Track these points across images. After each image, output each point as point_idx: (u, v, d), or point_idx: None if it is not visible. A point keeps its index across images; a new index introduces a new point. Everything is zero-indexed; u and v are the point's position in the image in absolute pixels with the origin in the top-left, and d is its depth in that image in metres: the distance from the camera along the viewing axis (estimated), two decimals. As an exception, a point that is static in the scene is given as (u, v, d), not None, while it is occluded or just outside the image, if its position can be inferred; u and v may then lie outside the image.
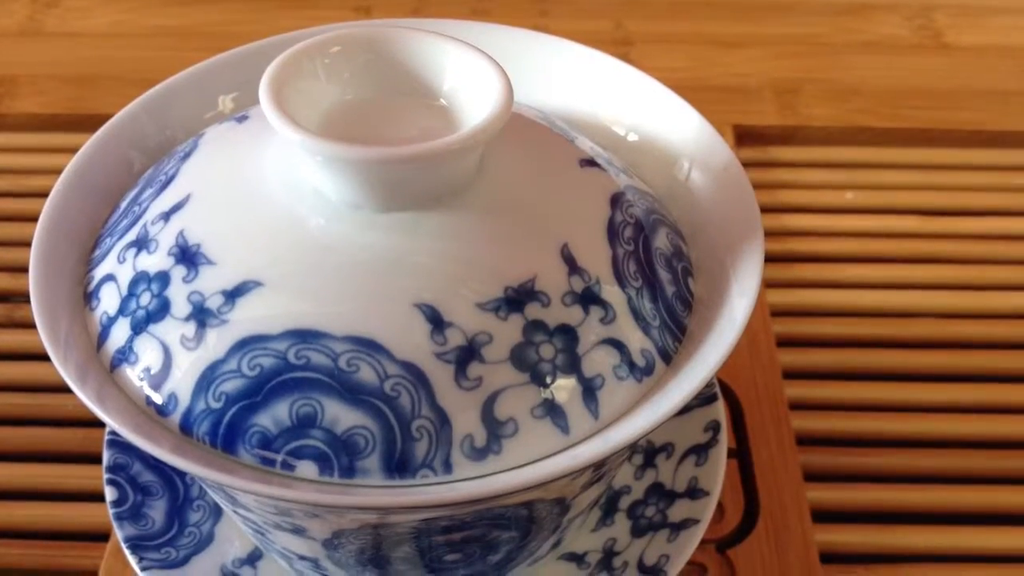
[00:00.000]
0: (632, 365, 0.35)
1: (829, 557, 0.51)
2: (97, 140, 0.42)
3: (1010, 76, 0.78)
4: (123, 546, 0.44)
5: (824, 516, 0.52)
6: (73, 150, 0.41)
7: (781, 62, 0.80)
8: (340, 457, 0.32)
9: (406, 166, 0.33)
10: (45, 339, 0.34)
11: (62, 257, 0.38)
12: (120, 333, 0.35)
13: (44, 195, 0.39)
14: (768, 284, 0.63)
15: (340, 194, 0.35)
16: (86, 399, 0.33)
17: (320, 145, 0.32)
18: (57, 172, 0.40)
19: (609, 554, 0.45)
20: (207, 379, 0.33)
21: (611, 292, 0.35)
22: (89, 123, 0.67)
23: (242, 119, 0.40)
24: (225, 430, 0.33)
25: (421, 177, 0.34)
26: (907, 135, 0.74)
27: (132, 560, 0.44)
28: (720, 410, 0.48)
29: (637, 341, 0.35)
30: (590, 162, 0.39)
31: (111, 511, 0.45)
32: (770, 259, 0.64)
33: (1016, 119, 0.75)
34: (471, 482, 0.32)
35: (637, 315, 0.35)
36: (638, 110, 0.44)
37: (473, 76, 0.36)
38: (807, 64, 0.79)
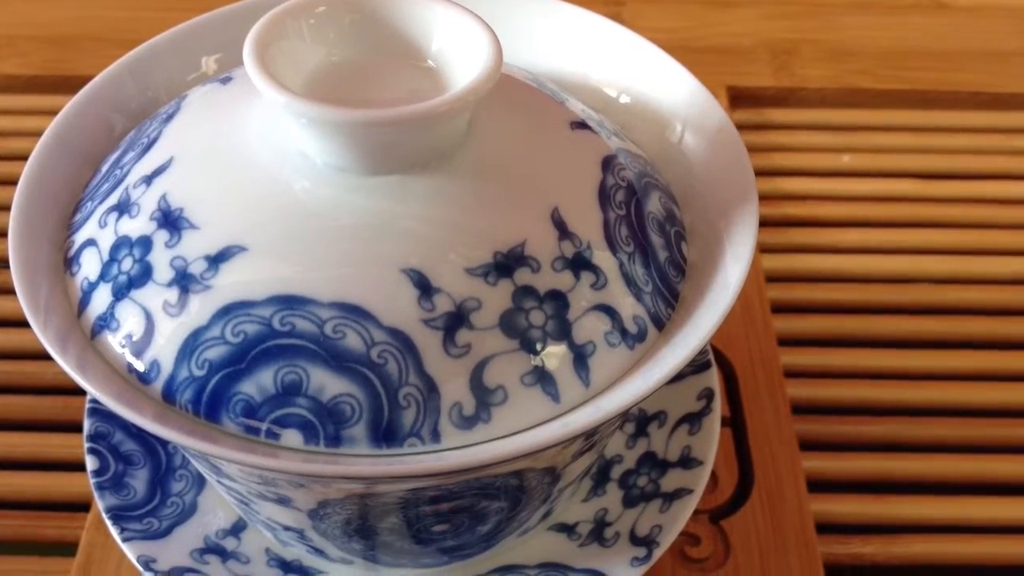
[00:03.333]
0: (624, 332, 0.34)
1: (825, 527, 0.50)
2: (78, 102, 0.41)
3: (1010, 36, 0.78)
4: (104, 516, 0.43)
5: (820, 486, 0.52)
6: (53, 112, 0.40)
7: (776, 22, 0.79)
8: (326, 426, 0.31)
9: (393, 128, 0.32)
10: (25, 305, 0.33)
11: (42, 221, 0.37)
12: (102, 299, 0.34)
13: (24, 158, 0.38)
14: (762, 249, 0.62)
15: (325, 157, 0.34)
16: (67, 366, 0.32)
17: (305, 107, 0.32)
18: (37, 135, 0.39)
19: (601, 524, 0.44)
20: (190, 346, 0.32)
21: (602, 257, 0.35)
22: (69, 85, 0.68)
23: (226, 80, 0.39)
24: (208, 398, 0.32)
25: (408, 140, 0.33)
26: (905, 97, 0.73)
27: (113, 531, 0.43)
28: (714, 378, 0.47)
29: (629, 307, 0.34)
30: (581, 124, 0.38)
31: (92, 480, 0.44)
32: (764, 224, 0.63)
33: (1016, 80, 0.74)
34: (459, 451, 0.32)
35: (629, 281, 0.35)
36: (630, 72, 0.43)
37: (461, 37, 0.35)
38: (803, 24, 0.79)
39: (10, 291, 0.35)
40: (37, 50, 0.76)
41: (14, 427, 0.54)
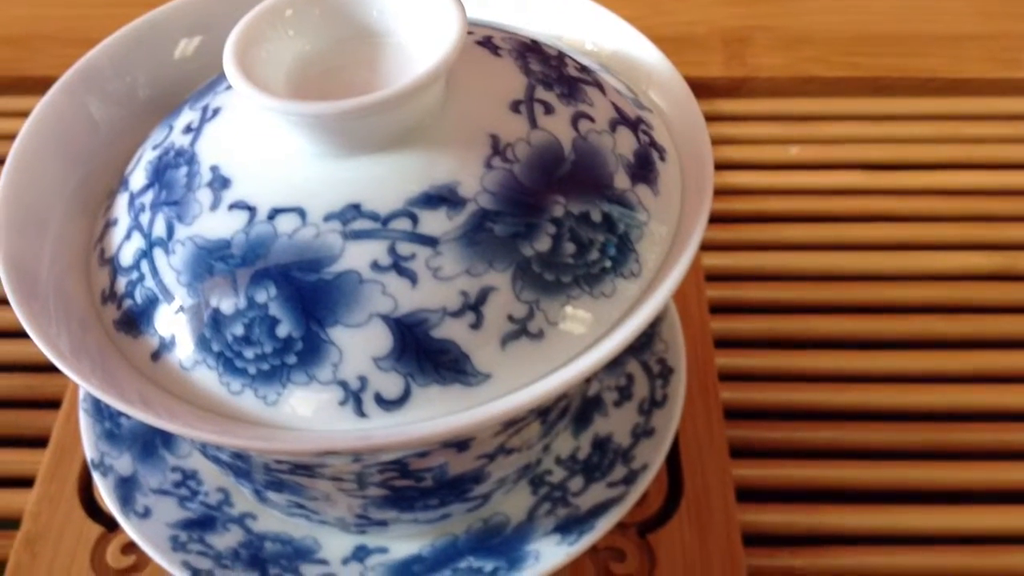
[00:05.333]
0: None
1: (754, 539, 0.50)
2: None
3: (966, 19, 0.76)
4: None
5: (750, 495, 0.51)
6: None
7: (732, 8, 0.78)
8: None
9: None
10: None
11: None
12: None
13: None
14: (704, 247, 0.62)
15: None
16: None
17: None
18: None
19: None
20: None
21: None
22: (25, 85, 0.68)
23: None
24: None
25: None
26: (857, 84, 0.72)
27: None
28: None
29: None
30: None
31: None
32: (708, 220, 0.62)
33: (971, 65, 0.73)
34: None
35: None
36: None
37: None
38: (758, 11, 0.77)
39: None
40: (-8, 51, 0.75)
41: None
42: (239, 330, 0.33)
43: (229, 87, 0.38)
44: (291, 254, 0.33)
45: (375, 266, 0.32)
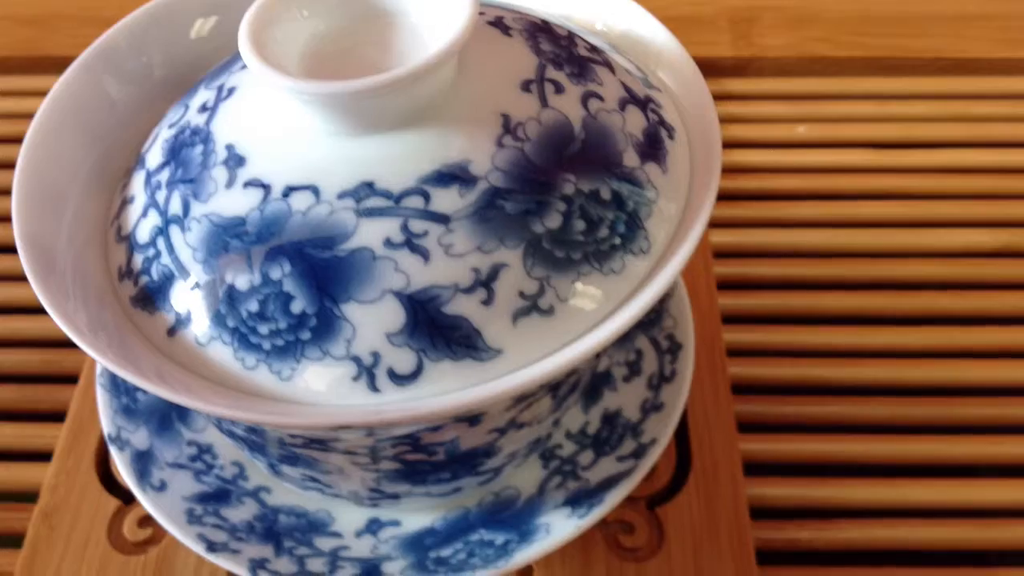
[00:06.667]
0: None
1: (760, 512, 0.50)
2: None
3: (970, 0, 0.76)
4: None
5: (757, 468, 0.52)
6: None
7: (738, -13, 0.78)
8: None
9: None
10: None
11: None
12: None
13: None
14: (713, 224, 0.62)
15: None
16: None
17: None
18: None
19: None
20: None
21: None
22: (43, 65, 0.69)
23: None
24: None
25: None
26: (864, 64, 0.73)
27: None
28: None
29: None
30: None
31: None
32: (717, 197, 0.62)
33: (976, 44, 0.73)
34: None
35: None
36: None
37: None
38: (765, -11, 0.78)
39: None
40: (10, 29, 0.76)
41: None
42: (254, 306, 0.33)
43: (244, 67, 0.38)
44: (305, 231, 0.33)
45: (388, 243, 0.33)
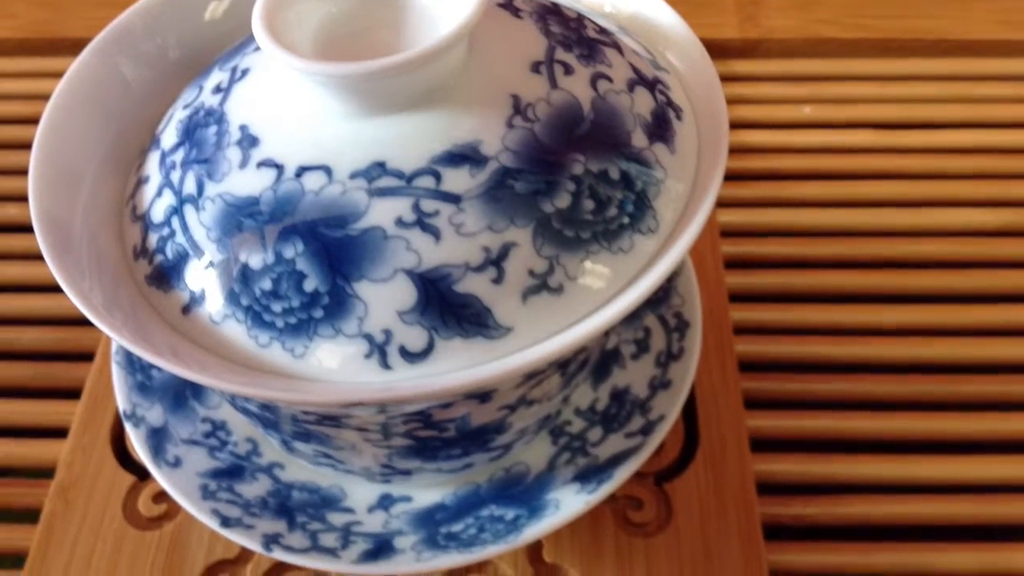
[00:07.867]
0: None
1: (767, 487, 0.51)
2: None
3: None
4: None
5: (764, 445, 0.52)
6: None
7: (745, -32, 0.78)
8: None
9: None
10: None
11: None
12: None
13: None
14: (720, 204, 0.62)
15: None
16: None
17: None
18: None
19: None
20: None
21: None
22: (60, 46, 0.70)
23: None
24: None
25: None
26: (869, 46, 0.73)
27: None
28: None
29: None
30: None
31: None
32: (724, 177, 0.63)
33: (980, 26, 0.74)
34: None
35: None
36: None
37: None
38: (771, -30, 0.78)
39: None
40: (27, 12, 0.76)
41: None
42: (267, 285, 0.34)
43: (257, 48, 0.38)
44: (318, 211, 0.34)
45: (400, 222, 0.33)
